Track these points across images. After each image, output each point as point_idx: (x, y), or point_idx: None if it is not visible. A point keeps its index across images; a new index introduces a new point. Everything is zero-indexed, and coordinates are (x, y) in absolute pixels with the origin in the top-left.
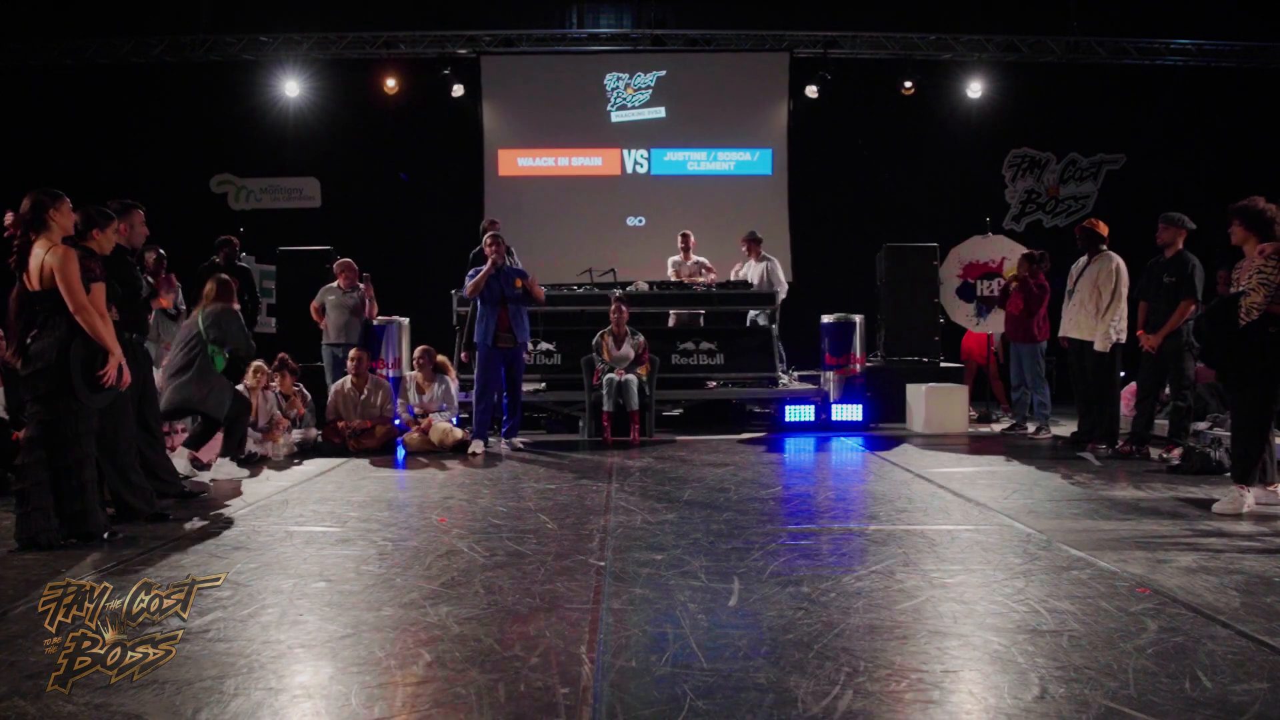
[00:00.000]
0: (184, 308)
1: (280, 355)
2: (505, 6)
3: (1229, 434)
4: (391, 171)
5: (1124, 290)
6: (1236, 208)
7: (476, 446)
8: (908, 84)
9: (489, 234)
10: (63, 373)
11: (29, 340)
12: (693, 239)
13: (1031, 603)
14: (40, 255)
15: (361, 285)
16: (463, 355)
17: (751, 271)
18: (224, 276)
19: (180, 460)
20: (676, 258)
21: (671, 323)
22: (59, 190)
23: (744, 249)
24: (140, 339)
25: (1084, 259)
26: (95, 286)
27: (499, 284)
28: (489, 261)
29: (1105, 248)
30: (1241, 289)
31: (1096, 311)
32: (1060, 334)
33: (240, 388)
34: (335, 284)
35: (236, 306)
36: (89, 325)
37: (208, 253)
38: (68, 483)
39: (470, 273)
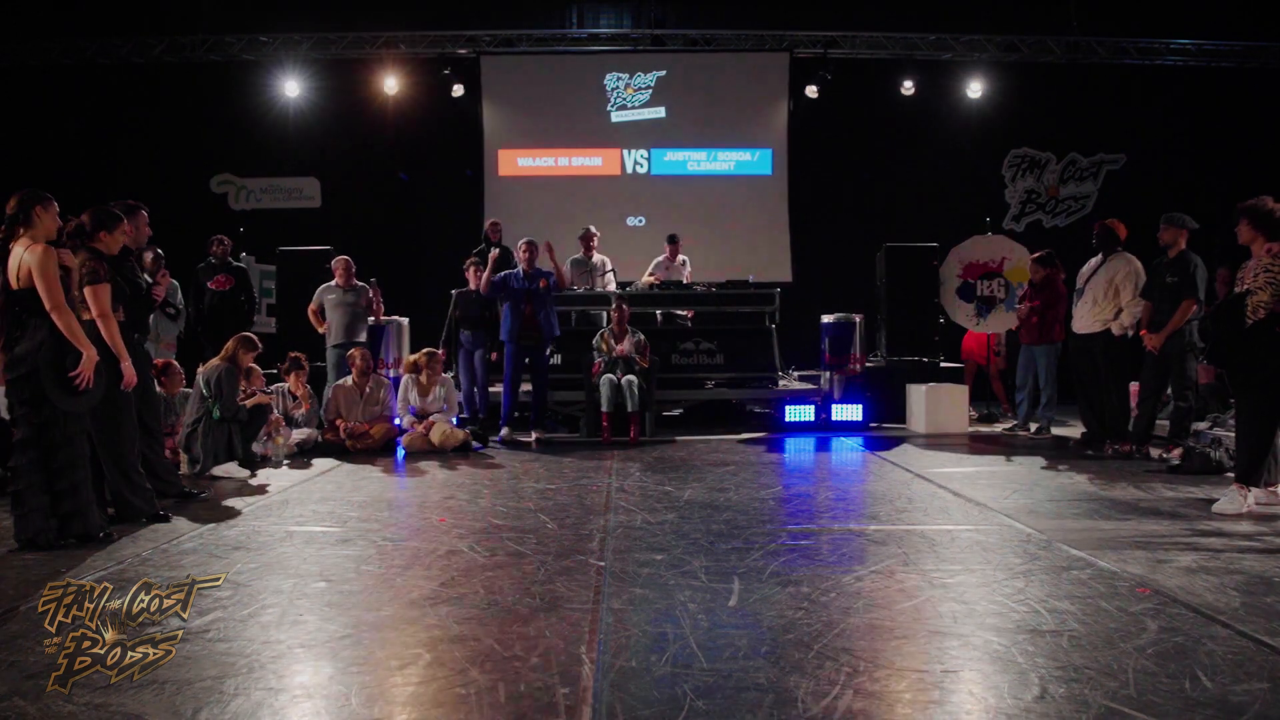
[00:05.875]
0: (183, 308)
1: (293, 354)
2: (505, 6)
3: (1229, 434)
4: (392, 171)
5: (1142, 285)
6: (1245, 207)
7: (503, 432)
8: (908, 84)
9: (524, 240)
10: (40, 377)
11: (14, 344)
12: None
13: (1031, 603)
14: (19, 254)
15: (368, 288)
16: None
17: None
18: (247, 336)
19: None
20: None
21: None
22: (48, 193)
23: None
24: (142, 339)
25: (1097, 258)
26: (102, 287)
27: (524, 285)
28: (495, 267)
29: (1120, 249)
30: (1248, 288)
31: (1112, 310)
32: (1073, 330)
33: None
34: (333, 283)
35: (251, 359)
36: (65, 325)
37: (207, 253)
38: (60, 484)
39: (497, 282)
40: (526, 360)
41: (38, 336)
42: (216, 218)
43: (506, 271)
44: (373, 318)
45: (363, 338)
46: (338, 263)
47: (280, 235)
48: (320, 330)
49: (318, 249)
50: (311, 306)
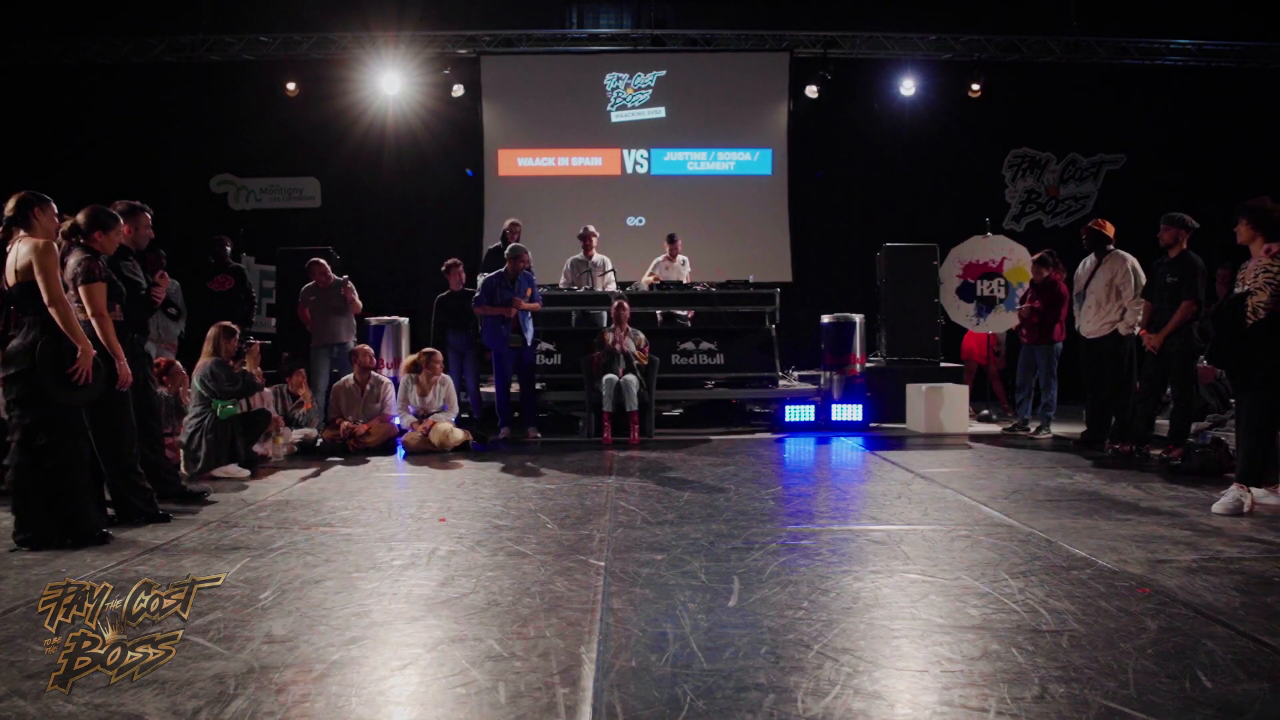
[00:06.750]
0: (183, 308)
1: (287, 355)
2: (505, 6)
3: (1229, 434)
4: (391, 171)
5: (1142, 283)
6: (1245, 206)
7: (503, 432)
8: (908, 84)
9: (512, 246)
10: (35, 375)
11: (8, 341)
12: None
13: (1031, 603)
14: (18, 250)
15: (340, 283)
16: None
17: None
18: (224, 325)
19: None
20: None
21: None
22: (46, 195)
23: (666, 250)
24: (142, 339)
25: (1091, 260)
26: (97, 286)
27: (511, 291)
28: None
29: (1112, 248)
30: (1248, 288)
31: (1117, 311)
32: (1082, 334)
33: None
34: (313, 284)
35: (234, 345)
36: (62, 317)
37: (207, 253)
38: (57, 484)
39: (483, 285)
40: (513, 361)
41: (30, 334)
42: (216, 218)
43: (490, 278)
44: (352, 313)
45: (344, 338)
46: (309, 264)
47: (280, 235)
48: (310, 329)
49: (318, 249)
50: (299, 305)
